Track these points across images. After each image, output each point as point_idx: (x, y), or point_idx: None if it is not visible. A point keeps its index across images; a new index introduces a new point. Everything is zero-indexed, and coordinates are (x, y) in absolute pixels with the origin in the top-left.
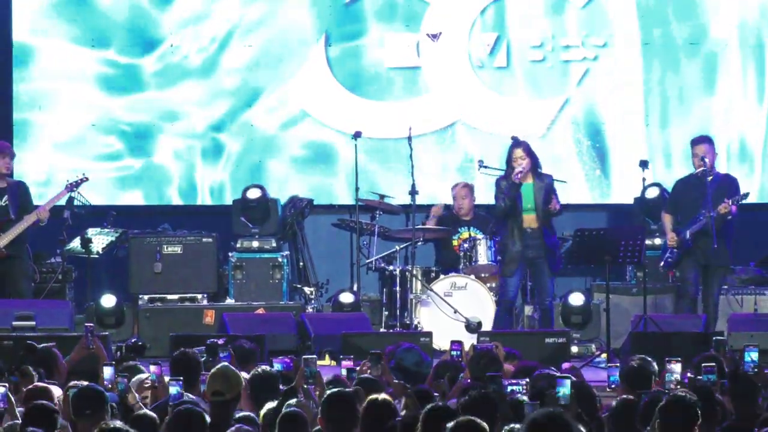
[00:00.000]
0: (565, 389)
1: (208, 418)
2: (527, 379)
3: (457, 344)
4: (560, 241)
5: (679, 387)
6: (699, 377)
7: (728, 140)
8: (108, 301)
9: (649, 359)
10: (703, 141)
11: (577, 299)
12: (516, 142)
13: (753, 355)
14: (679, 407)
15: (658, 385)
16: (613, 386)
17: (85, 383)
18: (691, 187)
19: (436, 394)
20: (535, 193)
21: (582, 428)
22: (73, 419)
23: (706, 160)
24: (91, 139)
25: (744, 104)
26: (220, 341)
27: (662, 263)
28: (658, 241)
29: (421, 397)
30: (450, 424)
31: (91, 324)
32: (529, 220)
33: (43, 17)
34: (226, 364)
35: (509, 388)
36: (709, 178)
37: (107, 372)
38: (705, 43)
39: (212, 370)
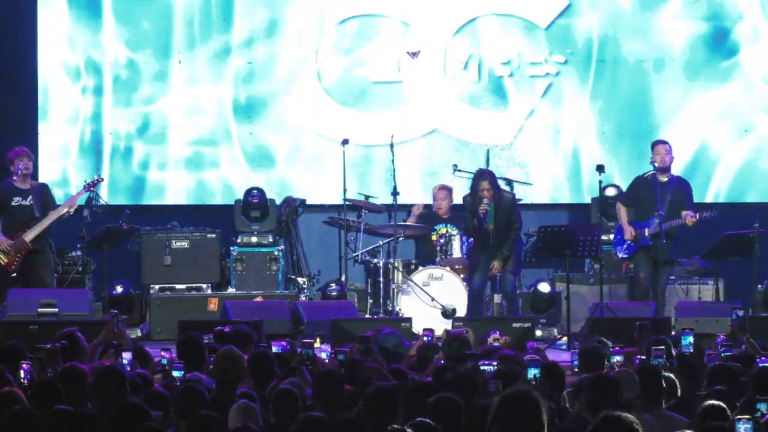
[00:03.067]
0: (534, 371)
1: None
2: (497, 361)
3: (428, 331)
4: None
5: (622, 368)
6: (650, 359)
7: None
8: (118, 289)
9: (605, 341)
10: (662, 143)
11: (544, 288)
12: (481, 174)
13: (690, 339)
14: (601, 385)
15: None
16: (576, 370)
17: (107, 364)
18: (648, 185)
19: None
20: (497, 214)
21: (551, 405)
22: (97, 396)
23: (656, 164)
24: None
25: (687, 117)
26: (227, 329)
27: (620, 255)
28: (612, 236)
29: (397, 375)
30: (431, 399)
31: (116, 311)
32: (491, 228)
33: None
34: (231, 347)
35: (483, 368)
36: (665, 179)
37: (126, 356)
38: (652, 61)
39: (218, 353)
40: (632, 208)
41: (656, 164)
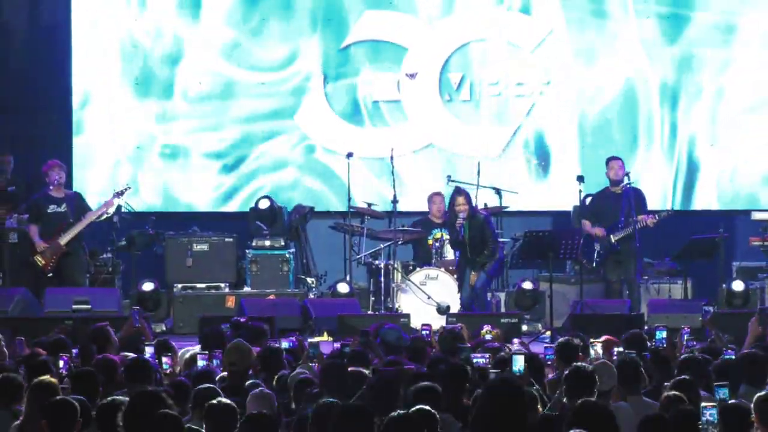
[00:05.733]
0: (519, 364)
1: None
2: (489, 354)
3: (426, 326)
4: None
5: (598, 360)
6: (627, 351)
7: (646, 159)
8: (147, 286)
9: (581, 335)
10: (615, 159)
11: (528, 285)
12: (458, 191)
13: (663, 334)
14: (579, 375)
15: (581, 359)
16: (549, 363)
17: (134, 356)
18: (607, 198)
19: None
20: (470, 232)
21: (533, 391)
22: (126, 384)
23: (610, 177)
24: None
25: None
26: (242, 319)
27: (594, 263)
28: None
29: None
30: (412, 387)
31: (138, 307)
32: (468, 243)
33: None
34: (239, 339)
35: (475, 360)
36: (619, 191)
37: (149, 350)
38: (626, 81)
39: (228, 345)
40: (596, 222)
41: (610, 177)
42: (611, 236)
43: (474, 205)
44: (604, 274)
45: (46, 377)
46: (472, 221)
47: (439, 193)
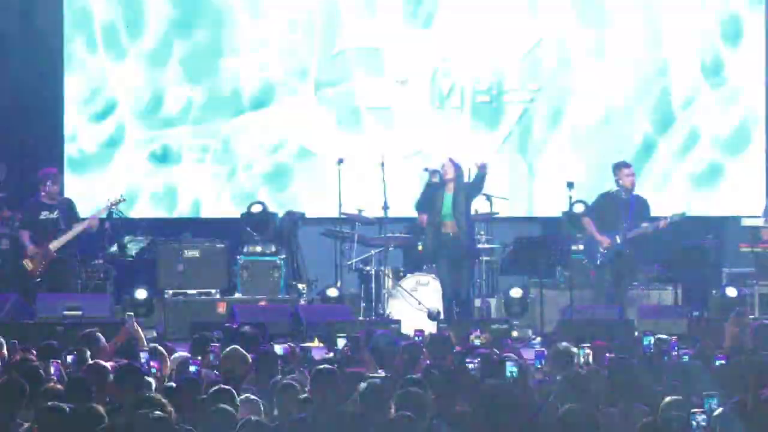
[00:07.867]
0: (512, 369)
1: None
2: (479, 359)
3: (419, 332)
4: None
5: (586, 366)
6: (619, 356)
7: (636, 165)
8: (141, 294)
9: (570, 345)
10: (627, 166)
11: (516, 293)
12: (451, 162)
13: (650, 339)
14: (571, 380)
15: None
16: (542, 368)
17: (126, 361)
18: (612, 201)
19: None
20: (454, 201)
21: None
22: (117, 390)
23: (623, 185)
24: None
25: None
26: (234, 326)
27: (597, 262)
28: (581, 246)
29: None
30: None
31: (132, 313)
32: (449, 225)
33: None
34: (235, 347)
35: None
36: (626, 196)
37: (143, 355)
38: (615, 88)
39: (224, 353)
40: (596, 222)
41: (624, 186)
42: (616, 237)
43: (462, 178)
44: (599, 275)
45: (51, 384)
46: (456, 191)
47: None
